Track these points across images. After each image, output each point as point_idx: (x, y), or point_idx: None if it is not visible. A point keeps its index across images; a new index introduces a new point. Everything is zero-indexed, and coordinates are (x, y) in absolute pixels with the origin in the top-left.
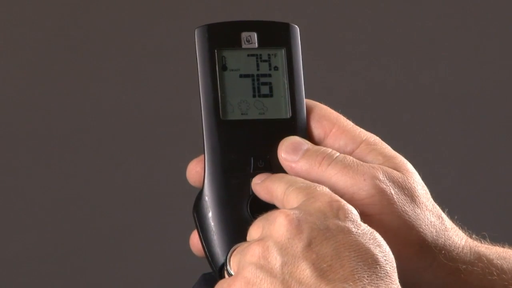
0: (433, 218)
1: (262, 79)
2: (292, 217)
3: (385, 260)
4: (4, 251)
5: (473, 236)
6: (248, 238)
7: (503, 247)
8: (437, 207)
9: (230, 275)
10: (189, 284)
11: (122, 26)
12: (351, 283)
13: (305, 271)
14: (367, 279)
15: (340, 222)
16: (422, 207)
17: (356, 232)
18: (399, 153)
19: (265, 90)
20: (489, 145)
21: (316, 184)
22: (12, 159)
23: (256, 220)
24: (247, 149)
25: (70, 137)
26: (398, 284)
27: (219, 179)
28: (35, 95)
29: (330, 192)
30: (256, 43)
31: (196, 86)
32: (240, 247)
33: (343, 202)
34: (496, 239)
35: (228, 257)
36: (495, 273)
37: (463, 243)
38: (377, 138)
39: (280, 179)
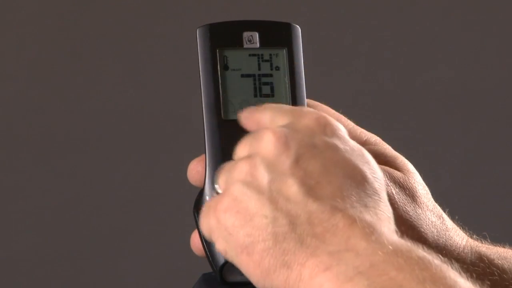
0: (434, 218)
1: (264, 79)
2: (280, 134)
3: (373, 177)
4: (4, 251)
5: (474, 236)
6: (235, 157)
7: (503, 247)
8: (438, 207)
9: (218, 193)
10: (189, 284)
11: (122, 26)
12: (338, 200)
13: (292, 187)
14: (355, 196)
15: (327, 139)
16: (423, 207)
17: (344, 149)
18: (400, 153)
19: (266, 90)
20: (489, 145)
21: (302, 106)
22: (12, 159)
23: (242, 140)
24: None
25: (70, 137)
26: (387, 201)
27: None
28: (35, 95)
29: (317, 111)
30: (258, 43)
31: (197, 86)
32: (228, 165)
33: (330, 118)
34: (496, 239)
35: (215, 175)
36: (496, 273)
37: (464, 243)
38: (378, 138)
39: (266, 108)
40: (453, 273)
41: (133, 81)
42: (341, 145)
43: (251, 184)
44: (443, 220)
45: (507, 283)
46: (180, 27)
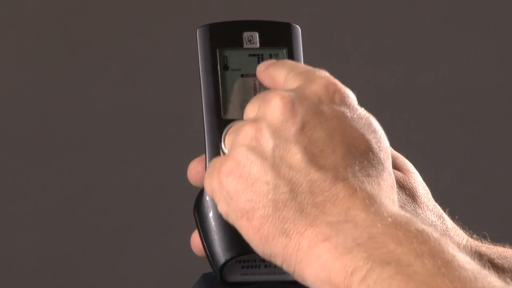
0: (434, 218)
1: None
2: (287, 100)
3: (378, 146)
4: (4, 251)
5: (474, 236)
6: (244, 116)
7: (503, 246)
8: (438, 207)
9: (224, 153)
10: (189, 284)
11: (122, 26)
12: (341, 169)
13: (296, 155)
14: (358, 166)
15: (335, 106)
16: (423, 207)
17: (351, 117)
18: (400, 153)
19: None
20: (489, 145)
21: (316, 68)
22: (12, 159)
23: (253, 99)
24: None
25: (70, 137)
26: (391, 171)
27: None
28: (35, 95)
29: (328, 75)
30: (258, 43)
31: (197, 86)
32: (235, 126)
33: (340, 85)
34: (496, 239)
35: (223, 135)
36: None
37: (464, 243)
38: None
39: (282, 65)
40: (451, 247)
41: (133, 81)
42: (348, 113)
43: (255, 149)
44: (443, 220)
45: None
46: (180, 27)
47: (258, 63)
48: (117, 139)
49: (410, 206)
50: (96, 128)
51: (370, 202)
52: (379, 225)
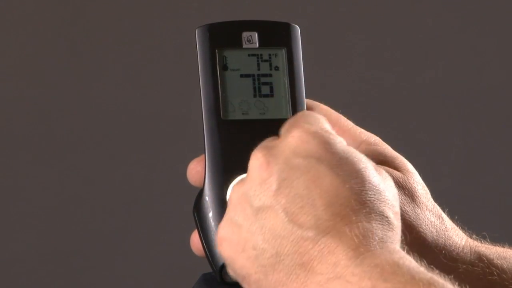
0: (434, 218)
1: (263, 79)
2: (263, 160)
3: (362, 188)
4: (4, 251)
5: (473, 236)
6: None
7: (503, 247)
8: (438, 207)
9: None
10: (189, 284)
11: (122, 26)
12: (322, 223)
13: (276, 217)
14: (339, 215)
15: (310, 158)
16: (423, 207)
17: (328, 164)
18: (400, 153)
19: (265, 90)
20: (489, 145)
21: (304, 115)
22: (12, 159)
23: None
24: (248, 149)
25: (70, 137)
26: (382, 205)
27: (219, 179)
28: (35, 95)
29: (305, 124)
30: (257, 43)
31: (196, 86)
32: (237, 182)
33: (317, 133)
34: (496, 239)
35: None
36: (495, 273)
37: (463, 243)
38: (378, 138)
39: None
40: None
41: (133, 81)
42: (325, 162)
43: (241, 214)
44: (443, 220)
45: (506, 283)
46: (180, 27)
47: (258, 63)
48: (117, 139)
49: (409, 206)
50: (96, 128)
51: (356, 253)
52: (367, 280)
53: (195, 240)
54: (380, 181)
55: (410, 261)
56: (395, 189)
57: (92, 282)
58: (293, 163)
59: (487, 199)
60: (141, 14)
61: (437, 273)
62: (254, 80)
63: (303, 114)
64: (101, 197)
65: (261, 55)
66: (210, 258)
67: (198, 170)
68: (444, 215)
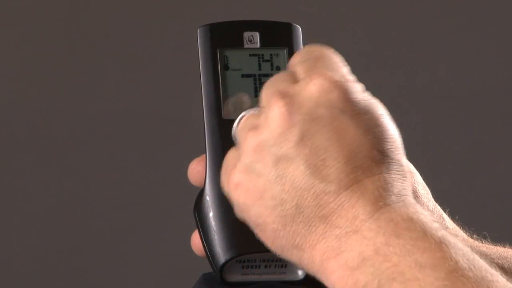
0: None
1: (264, 79)
2: (284, 110)
3: (383, 139)
4: (4, 251)
5: (474, 236)
6: (260, 104)
7: (504, 246)
8: (438, 207)
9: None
10: (189, 284)
11: (122, 26)
12: (344, 177)
13: (298, 168)
14: (361, 168)
15: (333, 108)
16: (423, 208)
17: (351, 116)
18: None
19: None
20: (489, 145)
21: (318, 56)
22: (12, 159)
23: (266, 86)
24: None
25: (70, 137)
26: (401, 160)
27: (220, 178)
28: (35, 95)
29: (326, 72)
30: (258, 43)
31: (197, 86)
32: (246, 121)
33: (338, 81)
34: (496, 239)
35: (235, 125)
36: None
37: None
38: None
39: (304, 51)
40: (453, 250)
41: (133, 81)
42: (348, 112)
43: (259, 163)
44: (444, 220)
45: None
46: (180, 27)
47: (259, 63)
48: (117, 139)
49: None
50: (96, 128)
51: (374, 207)
52: (381, 236)
53: (195, 240)
54: (395, 129)
55: (424, 216)
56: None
57: (92, 282)
58: (316, 114)
59: (488, 199)
60: (141, 14)
61: (449, 230)
62: (255, 80)
63: (321, 55)
64: (101, 197)
65: (262, 55)
66: (210, 258)
67: (198, 170)
68: (445, 215)
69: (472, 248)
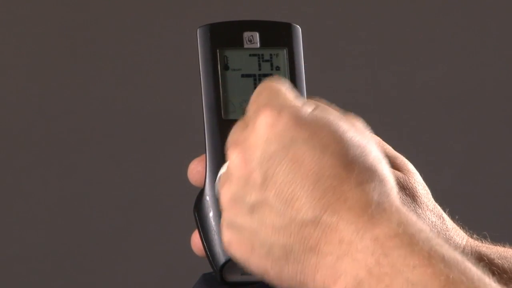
0: (434, 218)
1: (264, 79)
2: (239, 158)
3: (344, 152)
4: (4, 251)
5: (474, 236)
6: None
7: (503, 246)
8: (438, 207)
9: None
10: (189, 284)
11: (122, 26)
12: (316, 203)
13: (273, 209)
14: (331, 190)
15: (283, 139)
16: (423, 207)
17: (303, 140)
18: (400, 153)
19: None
20: (489, 145)
21: (257, 93)
22: (12, 159)
23: (229, 141)
24: None
25: (70, 137)
26: (374, 162)
27: None
28: (35, 95)
29: (267, 106)
30: (258, 43)
31: (197, 86)
32: (221, 179)
33: (282, 111)
34: (496, 239)
35: (216, 180)
36: (496, 273)
37: (464, 243)
38: (378, 138)
39: (256, 94)
40: (443, 264)
41: (133, 81)
42: (299, 138)
43: (239, 216)
44: (443, 220)
45: (507, 282)
46: (180, 27)
47: (259, 63)
48: (117, 139)
49: (410, 206)
50: (96, 128)
51: (357, 226)
52: (370, 256)
53: (195, 240)
54: (358, 134)
55: (410, 225)
56: (371, 139)
57: (92, 282)
58: (270, 152)
59: (488, 199)
60: (141, 14)
61: (438, 239)
62: (255, 80)
63: (262, 90)
64: (101, 197)
65: (262, 55)
66: (210, 258)
67: (198, 170)
68: (445, 215)
69: (472, 248)
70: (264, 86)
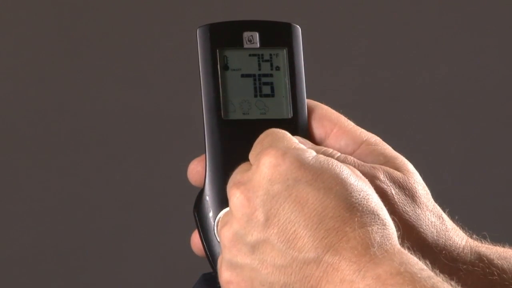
0: (434, 219)
1: (264, 79)
2: (242, 197)
3: (347, 196)
4: (4, 251)
5: (474, 236)
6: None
7: (503, 247)
8: (438, 207)
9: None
10: (189, 284)
11: (122, 26)
12: (319, 243)
13: (273, 249)
14: (333, 230)
15: (287, 182)
16: (423, 208)
17: (307, 183)
18: (400, 153)
19: (266, 90)
20: (489, 145)
21: (262, 138)
22: (12, 159)
23: (230, 180)
24: (248, 149)
25: (70, 137)
26: (372, 205)
27: (220, 178)
28: (35, 95)
29: (272, 148)
30: (258, 43)
31: (197, 86)
32: (221, 221)
33: (286, 153)
34: (496, 239)
35: (215, 225)
36: (495, 273)
37: (464, 243)
38: (378, 138)
39: (259, 141)
40: None
41: (133, 81)
42: (303, 181)
43: (239, 254)
44: (443, 220)
45: (507, 283)
46: (180, 27)
47: (259, 63)
48: (117, 139)
49: (410, 206)
50: (96, 128)
51: (358, 266)
52: None
53: (195, 240)
54: (359, 180)
55: (412, 265)
56: (371, 187)
57: (92, 282)
58: (273, 192)
59: (487, 199)
60: (141, 14)
61: (439, 277)
62: (255, 80)
63: (266, 136)
64: (101, 197)
65: (262, 55)
66: (210, 258)
67: (198, 170)
68: (444, 215)
69: (472, 248)
70: (268, 132)
